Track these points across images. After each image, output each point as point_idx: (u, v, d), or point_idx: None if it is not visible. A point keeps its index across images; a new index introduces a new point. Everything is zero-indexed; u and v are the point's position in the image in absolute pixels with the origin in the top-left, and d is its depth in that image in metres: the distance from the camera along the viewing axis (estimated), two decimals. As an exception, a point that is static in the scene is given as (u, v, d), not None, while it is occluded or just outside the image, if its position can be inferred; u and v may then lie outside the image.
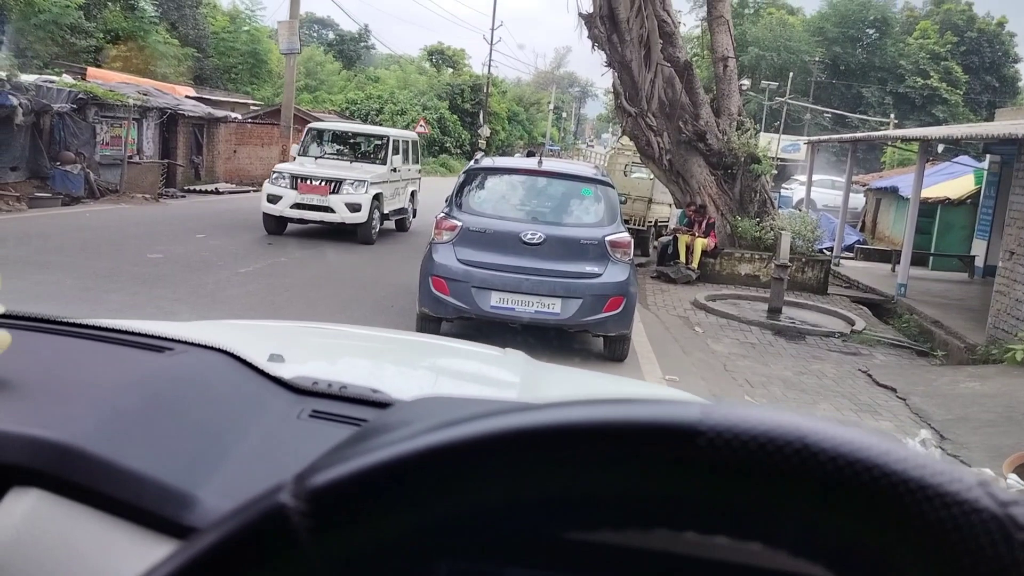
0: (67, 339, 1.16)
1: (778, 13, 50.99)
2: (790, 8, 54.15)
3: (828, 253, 16.86)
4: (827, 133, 35.36)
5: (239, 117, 27.28)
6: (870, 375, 8.60)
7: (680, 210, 14.77)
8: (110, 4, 35.32)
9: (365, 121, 44.49)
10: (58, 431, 0.83)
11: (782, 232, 11.66)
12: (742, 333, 10.10)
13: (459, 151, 47.41)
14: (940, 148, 34.83)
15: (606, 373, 3.55)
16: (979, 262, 18.19)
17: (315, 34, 77.54)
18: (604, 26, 14.26)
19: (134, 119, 20.28)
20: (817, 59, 46.80)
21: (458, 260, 7.03)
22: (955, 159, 22.55)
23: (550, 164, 8.10)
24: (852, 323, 11.18)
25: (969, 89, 47.36)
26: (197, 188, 22.44)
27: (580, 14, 14.62)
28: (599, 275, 7.04)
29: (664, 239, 14.65)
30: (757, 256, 14.06)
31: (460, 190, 7.56)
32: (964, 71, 46.92)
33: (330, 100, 49.41)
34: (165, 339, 1.17)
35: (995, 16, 49.75)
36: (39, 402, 0.93)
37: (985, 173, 18.78)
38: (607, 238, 7.11)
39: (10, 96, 15.90)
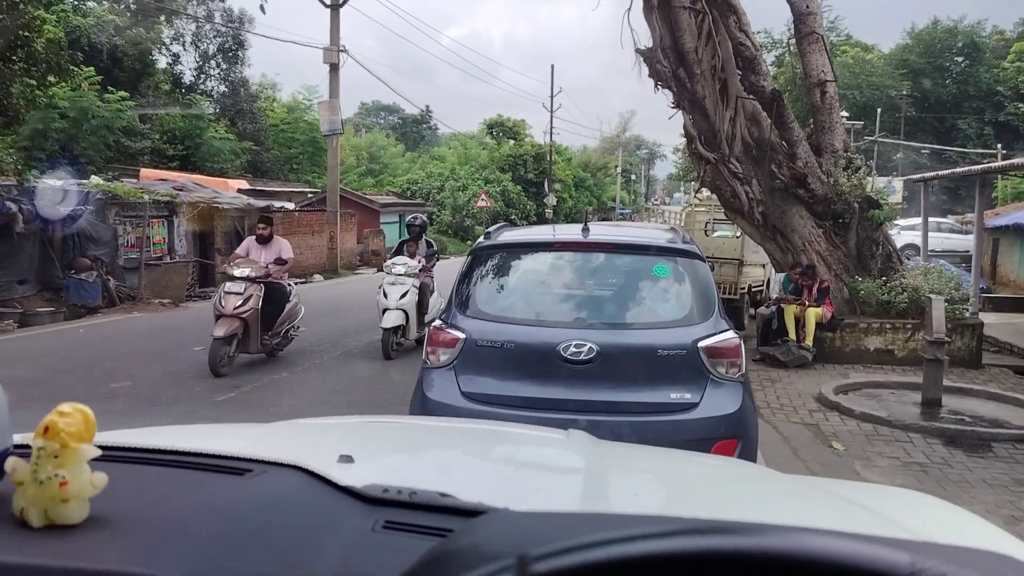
0: (156, 469, 1.25)
1: (853, 51, 47.85)
2: (865, 45, 50.96)
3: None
4: (923, 171, 31.91)
5: (285, 206, 25.64)
6: (1125, 514, 5.58)
7: (783, 274, 11.91)
8: (167, 106, 34.98)
9: (427, 200, 43.07)
10: (154, 567, 0.93)
11: (932, 297, 8.71)
12: (899, 446, 7.15)
13: (526, 223, 45.35)
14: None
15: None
16: None
17: (381, 120, 78.25)
18: (668, 60, 11.78)
19: (163, 217, 18.64)
20: (905, 93, 43.32)
21: (462, 394, 4.43)
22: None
23: (603, 231, 5.45)
24: (1046, 414, 8.10)
25: (1077, 111, 43.00)
26: (237, 285, 20.59)
27: (637, 50, 12.18)
28: (693, 405, 4.33)
29: (765, 311, 11.76)
30: (888, 325, 11.06)
31: (464, 282, 4.98)
32: (1071, 91, 42.68)
33: (392, 182, 48.47)
34: (242, 459, 1.28)
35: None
36: (136, 539, 1.01)
37: None
38: (702, 343, 4.44)
39: (7, 203, 14.29)
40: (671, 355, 4.39)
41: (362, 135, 64.04)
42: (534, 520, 0.91)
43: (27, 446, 1.06)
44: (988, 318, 15.78)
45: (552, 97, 50.07)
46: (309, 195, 32.68)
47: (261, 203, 23.36)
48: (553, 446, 2.05)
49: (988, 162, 32.36)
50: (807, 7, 12.05)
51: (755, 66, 11.76)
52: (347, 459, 1.42)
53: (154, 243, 18.04)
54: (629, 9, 11.94)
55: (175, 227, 19.01)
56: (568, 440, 2.00)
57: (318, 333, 12.48)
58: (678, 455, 2.28)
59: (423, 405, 4.43)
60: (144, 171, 25.73)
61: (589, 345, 4.35)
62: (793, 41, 12.95)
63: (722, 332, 4.49)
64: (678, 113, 12.40)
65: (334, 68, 23.19)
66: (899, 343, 11.04)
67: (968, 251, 26.61)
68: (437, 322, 4.76)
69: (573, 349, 4.36)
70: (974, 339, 11.20)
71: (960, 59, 46.47)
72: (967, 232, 28.66)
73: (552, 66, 51.41)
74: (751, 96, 11.83)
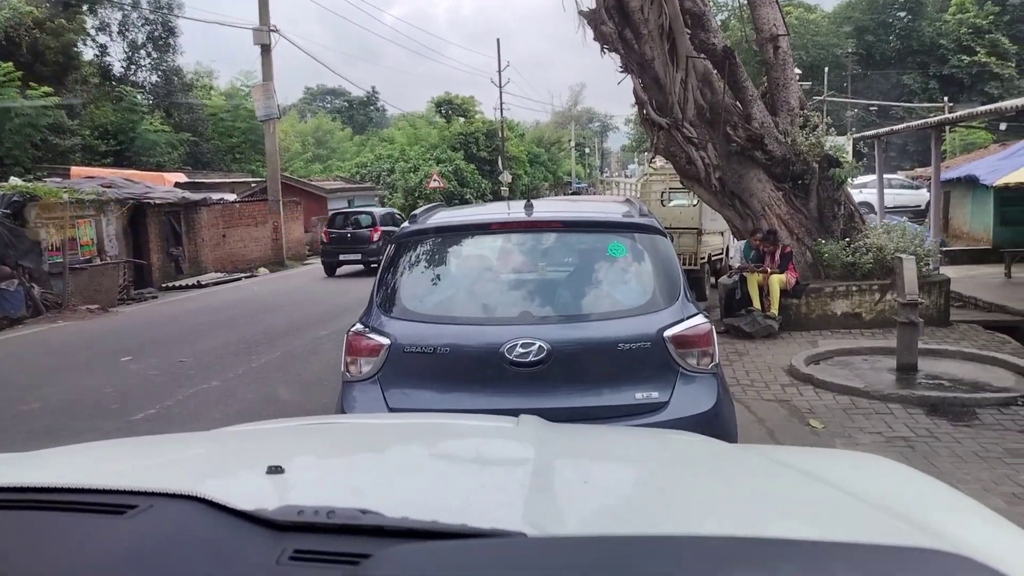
0: (17, 514, 1.12)
1: (796, 11, 47.66)
2: (808, 5, 50.82)
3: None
4: (871, 128, 31.79)
5: (225, 198, 24.58)
6: None
7: (743, 241, 11.38)
8: (96, 100, 33.54)
9: (377, 183, 42.08)
10: None
11: (902, 257, 8.21)
12: (880, 419, 6.65)
13: (482, 201, 44.56)
14: (1003, 126, 31.01)
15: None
16: (1118, 253, 14.54)
17: (327, 104, 76.62)
18: (613, 21, 11.11)
19: (90, 217, 17.58)
20: (850, 51, 43.21)
21: (390, 411, 3.75)
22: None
23: (549, 208, 4.77)
24: (1027, 374, 7.68)
25: (1020, 60, 43.33)
26: (177, 284, 19.63)
27: (580, 12, 11.50)
28: (662, 405, 3.70)
29: (727, 280, 11.24)
30: (854, 288, 10.61)
31: (387, 276, 4.24)
32: (1011, 41, 42.93)
33: (340, 167, 47.37)
34: (126, 492, 1.12)
35: (1036, -22, 45.71)
36: None
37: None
38: (668, 332, 3.80)
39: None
40: (634, 348, 3.75)
41: (307, 120, 62.62)
42: (452, 553, 0.87)
43: None
44: (948, 272, 15.52)
45: (500, 72, 49.16)
46: (253, 185, 31.58)
47: (198, 196, 22.36)
48: (500, 437, 1.94)
49: (934, 115, 32.33)
50: (755, -42, 11.45)
51: (704, 23, 11.14)
52: (276, 470, 1.33)
53: (82, 245, 17.00)
54: (569, -31, 11.25)
55: (104, 227, 17.96)
56: (517, 429, 1.90)
57: (257, 332, 11.69)
58: (636, 434, 2.23)
59: None
60: (75, 169, 24.59)
61: (538, 343, 3.70)
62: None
63: (691, 317, 3.86)
64: (628, 79, 11.76)
65: (266, 50, 22.12)
66: (866, 306, 10.60)
67: (919, 205, 26.60)
68: (357, 326, 4.05)
69: (520, 349, 3.70)
70: (942, 296, 10.82)
71: (902, 14, 46.54)
72: (917, 187, 28.60)
73: (498, 40, 50.43)
74: (702, 55, 11.23)
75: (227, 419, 7.09)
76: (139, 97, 35.66)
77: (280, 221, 24.17)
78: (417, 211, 4.62)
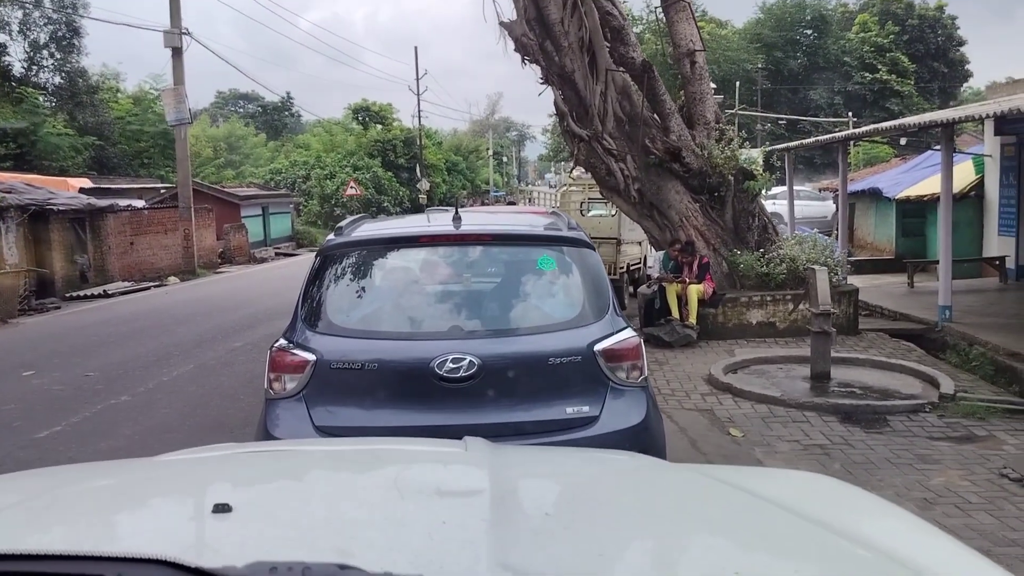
0: None
1: (708, 27, 48.98)
2: (719, 21, 52.28)
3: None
4: (781, 141, 32.88)
5: (133, 204, 23.71)
6: (1029, 485, 5.39)
7: (661, 252, 11.57)
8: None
9: (292, 190, 41.29)
10: None
11: (815, 268, 8.47)
12: (797, 427, 6.83)
13: (399, 209, 44.21)
14: (904, 141, 32.41)
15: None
16: (1010, 263, 15.32)
17: (240, 109, 74.83)
18: (533, 32, 11.17)
19: (-13, 223, 16.70)
20: (760, 67, 44.61)
21: (316, 429, 3.65)
22: (935, 148, 19.79)
23: (478, 220, 4.72)
24: (932, 381, 8.00)
25: (919, 78, 45.55)
26: (81, 294, 18.80)
27: (501, 22, 11.52)
28: (593, 420, 3.70)
29: (647, 290, 11.41)
30: (768, 298, 10.90)
31: (312, 289, 4.13)
32: (910, 60, 45.12)
33: (254, 173, 46.29)
34: (89, 558, 1.04)
35: (932, 1, 48.18)
36: None
37: (998, 158, 15.94)
38: (599, 346, 3.80)
39: None
40: (564, 363, 3.74)
41: (219, 125, 61.02)
42: None
43: None
44: (854, 281, 16.10)
45: (418, 80, 48.97)
46: (162, 191, 30.56)
47: (104, 203, 21.48)
48: (452, 463, 1.89)
49: (839, 129, 33.62)
50: (672, -26, 11.69)
51: (624, 37, 11.30)
52: (223, 508, 1.26)
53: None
54: (490, -21, 11.28)
55: (3, 234, 17.09)
56: (467, 454, 1.87)
57: (168, 344, 11.28)
58: (586, 459, 2.19)
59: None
60: (-29, 173, 23.33)
61: (469, 358, 3.65)
62: (660, 10, 12.56)
63: (620, 331, 3.87)
64: (547, 91, 11.83)
65: (177, 53, 21.47)
66: (781, 315, 10.90)
67: (825, 217, 27.59)
68: (281, 341, 3.92)
69: (450, 365, 3.64)
70: (851, 306, 11.21)
71: (809, 32, 48.30)
72: (823, 199, 29.67)
73: (416, 48, 50.48)
74: (621, 69, 11.39)
75: (139, 436, 6.81)
76: (41, 99, 34.13)
77: (191, 228, 23.45)
78: (343, 223, 4.51)
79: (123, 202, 23.28)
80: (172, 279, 22.54)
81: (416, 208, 45.44)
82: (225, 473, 1.79)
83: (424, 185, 46.14)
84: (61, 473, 1.94)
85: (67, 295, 18.64)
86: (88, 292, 18.96)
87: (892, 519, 1.58)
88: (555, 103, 11.66)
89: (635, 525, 1.39)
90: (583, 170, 13.56)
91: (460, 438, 3.27)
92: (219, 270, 25.49)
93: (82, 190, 24.39)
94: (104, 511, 1.47)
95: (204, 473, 1.80)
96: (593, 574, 1.09)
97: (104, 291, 19.07)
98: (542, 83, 11.69)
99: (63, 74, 35.76)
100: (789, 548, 1.28)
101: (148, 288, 20.53)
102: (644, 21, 34.49)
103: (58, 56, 35.45)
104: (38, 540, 1.20)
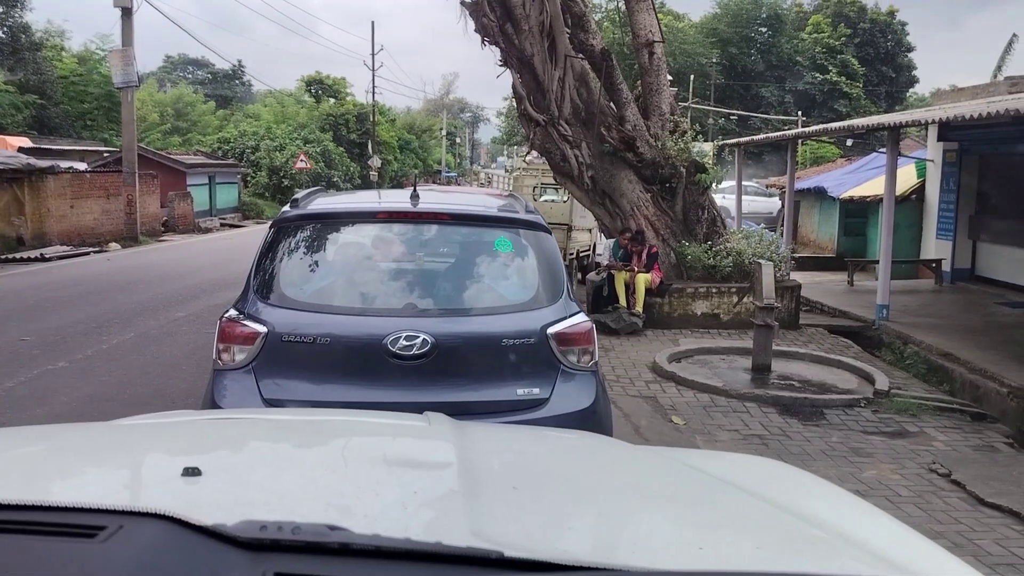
0: None
1: (665, 19, 49.29)
2: (676, 14, 52.65)
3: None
4: (732, 136, 33.36)
5: (75, 166, 23.02)
6: (957, 481, 5.60)
7: (612, 240, 11.67)
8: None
9: (240, 160, 40.49)
10: None
11: (760, 262, 8.65)
12: (737, 417, 7.00)
13: (349, 185, 43.72)
14: (850, 142, 33.01)
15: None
16: (946, 266, 15.82)
17: (188, 75, 72.96)
18: (494, 14, 11.14)
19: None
20: (714, 61, 45.07)
21: (265, 402, 3.62)
22: (879, 150, 20.29)
23: (435, 199, 4.70)
24: (868, 377, 8.25)
25: (867, 81, 46.51)
26: (17, 256, 18.23)
27: (462, 2, 11.47)
28: (543, 402, 3.75)
29: (595, 277, 11.52)
30: (714, 290, 11.09)
31: (266, 261, 4.09)
32: (860, 63, 46.04)
33: (202, 141, 45.23)
34: (91, 510, 1.03)
35: (883, 6, 49.19)
36: None
37: (940, 164, 16.41)
38: (551, 330, 3.84)
39: None
40: (517, 344, 3.77)
41: (167, 90, 59.43)
42: None
43: None
44: (796, 277, 16.46)
45: (373, 55, 48.33)
46: (105, 155, 29.75)
47: (45, 163, 20.83)
48: (418, 436, 1.88)
49: (789, 127, 34.23)
50: (635, -36, 11.74)
51: (584, 24, 11.34)
52: (193, 471, 1.24)
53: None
54: (453, -42, 11.19)
55: (-65, 191, 16.48)
56: (431, 428, 1.87)
57: (107, 311, 11.03)
58: (545, 434, 2.18)
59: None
60: (-100, 127, 22.44)
61: (422, 336, 3.66)
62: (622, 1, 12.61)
63: (572, 316, 3.92)
64: (504, 74, 11.86)
65: (127, 13, 20.86)
66: (725, 307, 11.10)
67: (771, 212, 28.07)
68: (231, 312, 3.87)
69: (403, 342, 3.65)
70: (792, 301, 11.47)
71: (764, 30, 48.89)
72: (770, 195, 30.17)
73: (373, 23, 49.85)
74: (580, 55, 11.43)
75: (77, 403, 6.67)
76: (-21, 53, 32.95)
77: (135, 194, 22.86)
78: (298, 195, 4.46)
79: (64, 164, 22.61)
80: (113, 245, 21.99)
81: (366, 184, 45.02)
82: (188, 438, 1.77)
83: (375, 162, 45.72)
84: (17, 434, 1.90)
85: (2, 257, 18.07)
86: (25, 255, 18.40)
87: (840, 501, 1.64)
88: (513, 86, 11.66)
89: (600, 500, 1.42)
90: (536, 155, 13.60)
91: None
92: (162, 238, 24.93)
93: (21, 149, 23.63)
94: (74, 470, 1.45)
95: (167, 438, 1.78)
96: (564, 547, 1.12)
97: (41, 255, 18.53)
98: (501, 65, 11.68)
99: (4, 28, 34.56)
100: (748, 526, 1.32)
101: (88, 254, 19.99)
102: (603, 10, 34.63)
103: (0, 10, 34.20)
104: (22, 492, 1.18)
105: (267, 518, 1.00)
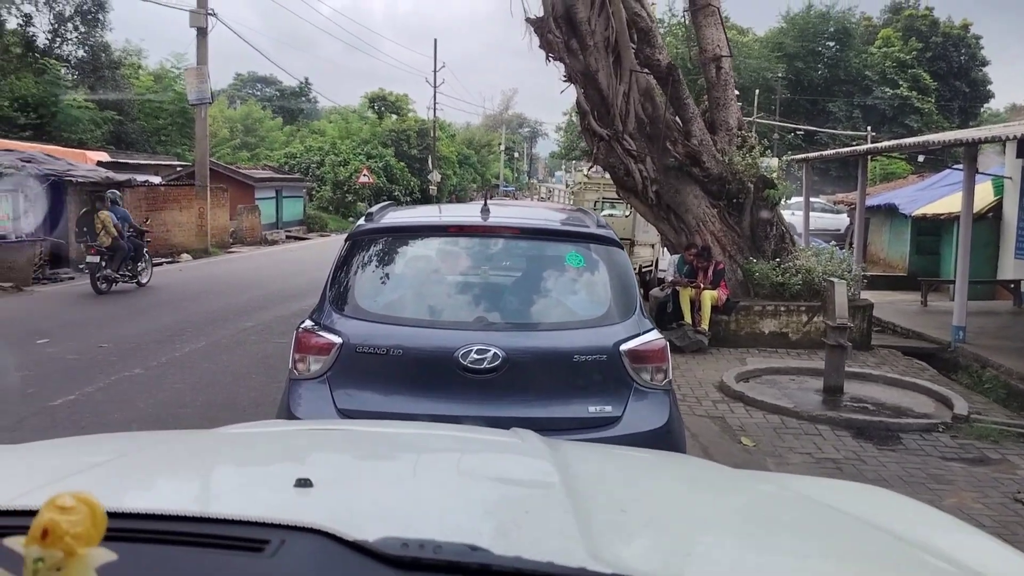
0: (159, 549, 1.01)
1: (730, 33, 48.82)
2: (740, 28, 52.13)
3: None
4: (798, 152, 32.79)
5: (150, 180, 23.75)
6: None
7: (677, 255, 11.54)
8: (18, 71, 32.05)
9: (306, 174, 41.32)
10: None
11: (833, 281, 8.45)
12: (809, 440, 6.82)
13: (409, 199, 44.24)
14: (921, 159, 32.11)
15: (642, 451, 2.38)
16: (1025, 287, 15.25)
17: (257, 92, 74.83)
18: (560, 30, 11.14)
19: (6, 192, 16.75)
20: (780, 76, 44.44)
21: (339, 412, 3.65)
22: (953, 167, 19.69)
23: (506, 213, 4.64)
24: (946, 401, 7.96)
25: (939, 96, 45.31)
26: (93, 266, 18.82)
27: (528, 19, 11.50)
28: (615, 420, 3.69)
29: (660, 293, 11.40)
30: (782, 308, 10.87)
31: (341, 273, 4.12)
32: (932, 77, 44.88)
33: (269, 156, 46.28)
34: (254, 524, 1.04)
35: (956, 20, 47.98)
36: None
37: (1019, 181, 15.85)
38: (624, 347, 3.78)
39: None
40: (589, 361, 3.73)
41: (237, 107, 61.02)
42: None
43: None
44: (867, 297, 16.04)
45: (435, 72, 48.94)
46: (178, 168, 30.65)
47: (122, 177, 21.52)
48: (515, 453, 1.83)
49: (858, 143, 33.48)
50: (703, -22, 11.65)
51: (650, 39, 11.28)
52: (305, 483, 1.24)
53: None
54: (520, -26, 11.25)
55: (20, 202, 17.14)
56: (523, 444, 1.83)
57: (179, 320, 11.32)
58: (635, 455, 2.13)
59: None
60: (-8, 141, 23.40)
61: (493, 350, 3.64)
62: (688, 14, 12.51)
63: (646, 332, 3.86)
64: (567, 89, 11.84)
65: (202, 33, 21.51)
66: (794, 326, 10.87)
67: (839, 230, 27.46)
68: (307, 323, 3.91)
69: (474, 356, 3.63)
70: (864, 321, 11.17)
71: (832, 44, 48.05)
72: (838, 212, 29.55)
73: (435, 40, 50.35)
74: (645, 70, 11.36)
75: (153, 409, 6.83)
76: (63, 71, 34.22)
77: (206, 207, 23.49)
78: (372, 209, 4.50)
79: (140, 177, 23.34)
80: (185, 256, 22.60)
81: (426, 198, 45.53)
82: (290, 449, 1.77)
83: (435, 176, 46.20)
84: (121, 440, 1.94)
85: (80, 266, 18.67)
86: (100, 265, 18.98)
87: (962, 534, 1.57)
88: (577, 101, 11.64)
89: (712, 526, 1.38)
90: (597, 169, 13.54)
91: None
92: (231, 250, 25.53)
93: (100, 163, 24.45)
94: (198, 478, 1.48)
95: (273, 448, 1.79)
96: (684, 573, 1.08)
97: (117, 265, 19.10)
98: (565, 81, 11.67)
99: (86, 48, 35.90)
100: (877, 559, 1.26)
101: (161, 264, 20.56)
102: (666, 24, 34.46)
103: (82, 29, 35.57)
104: (158, 501, 1.19)
105: (398, 534, 1.00)
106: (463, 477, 1.58)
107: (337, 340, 3.75)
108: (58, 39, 35.54)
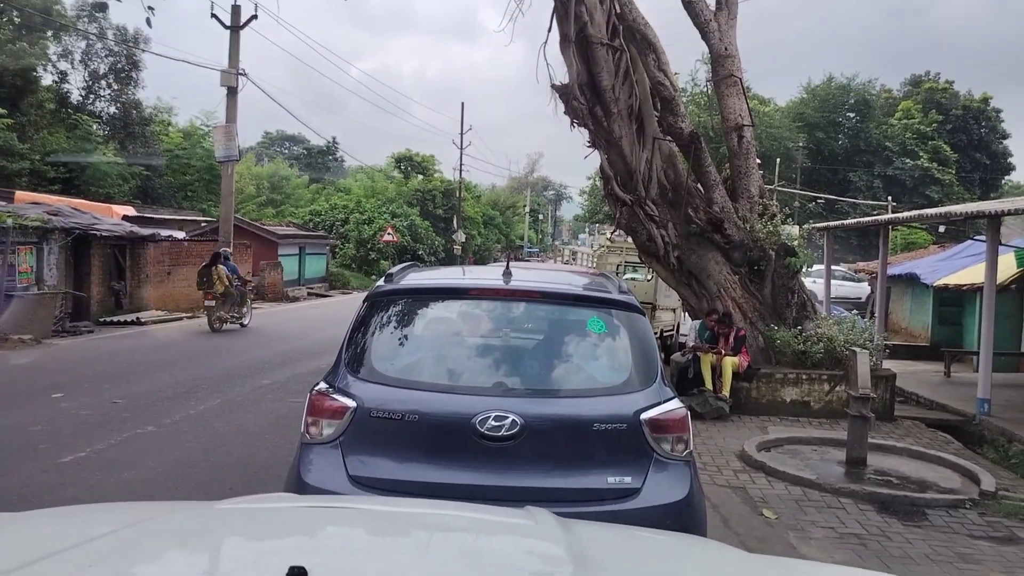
0: None
1: (751, 103, 49.35)
2: (761, 98, 52.72)
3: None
4: (818, 220, 32.75)
5: (174, 235, 24.05)
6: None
7: (698, 321, 11.44)
8: (50, 126, 32.89)
9: (330, 232, 41.75)
10: None
11: (856, 350, 8.31)
12: (832, 513, 6.62)
13: (433, 259, 44.51)
14: (942, 229, 32.02)
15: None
16: (1052, 359, 14.99)
17: (285, 150, 76.25)
18: (584, 97, 11.25)
19: (32, 244, 17.00)
20: (801, 145, 44.72)
21: (350, 479, 3.57)
22: (975, 238, 19.55)
23: (527, 276, 4.53)
24: (972, 476, 7.74)
25: (959, 167, 45.36)
26: (115, 319, 18.98)
27: (553, 85, 11.64)
28: (635, 492, 3.58)
29: (681, 359, 11.27)
30: (804, 376, 10.71)
31: (358, 334, 4.07)
32: (952, 149, 45.00)
33: (294, 213, 46.88)
34: None
35: (976, 93, 48.28)
36: None
37: (1039, 251, 15.70)
38: (645, 415, 3.69)
39: None
40: (609, 429, 3.64)
41: (264, 164, 62.11)
42: None
43: None
44: (888, 366, 15.79)
45: (462, 134, 49.69)
46: (203, 224, 31.08)
47: (147, 231, 21.82)
48: (526, 537, 1.76)
49: (877, 213, 33.43)
50: (726, 50, 11.80)
51: (673, 107, 11.37)
52: (299, 572, 1.19)
53: (20, 272, 16.40)
54: (546, 43, 11.39)
55: (45, 255, 17.37)
56: (538, 528, 1.77)
57: (196, 376, 11.30)
58: (653, 540, 2.06)
59: (299, 491, 3.53)
60: (19, 194, 23.86)
61: (512, 417, 3.55)
62: (710, 84, 12.63)
63: (667, 401, 3.77)
64: (591, 154, 11.92)
65: (232, 92, 22.01)
66: (816, 395, 10.69)
67: (859, 298, 27.28)
68: (321, 385, 3.85)
69: (492, 423, 3.55)
70: (887, 391, 10.97)
71: (852, 115, 48.45)
72: (858, 280, 29.40)
73: (463, 103, 51.43)
74: (668, 138, 11.44)
75: (163, 469, 6.76)
76: (95, 127, 35.04)
77: (229, 263, 23.67)
78: (392, 270, 4.47)
79: (164, 232, 23.64)
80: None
81: (451, 258, 45.81)
82: (289, 529, 1.71)
83: (460, 236, 46.55)
84: (109, 512, 1.88)
85: (101, 320, 18.83)
86: (121, 318, 19.14)
87: None
88: (601, 167, 11.70)
89: None
90: (620, 232, 13.55)
91: (497, 500, 3.17)
92: (253, 306, 25.65)
93: (126, 217, 24.82)
94: (184, 562, 1.41)
95: (268, 528, 1.72)
96: None
97: (137, 318, 19.25)
98: (589, 146, 11.76)
99: (118, 104, 36.79)
100: None
101: (181, 319, 20.69)
102: (689, 93, 34.90)
103: (115, 87, 36.52)
104: None
105: None
106: (468, 566, 1.50)
107: (351, 404, 3.68)
108: (91, 95, 36.48)
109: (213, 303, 17.67)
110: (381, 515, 1.98)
